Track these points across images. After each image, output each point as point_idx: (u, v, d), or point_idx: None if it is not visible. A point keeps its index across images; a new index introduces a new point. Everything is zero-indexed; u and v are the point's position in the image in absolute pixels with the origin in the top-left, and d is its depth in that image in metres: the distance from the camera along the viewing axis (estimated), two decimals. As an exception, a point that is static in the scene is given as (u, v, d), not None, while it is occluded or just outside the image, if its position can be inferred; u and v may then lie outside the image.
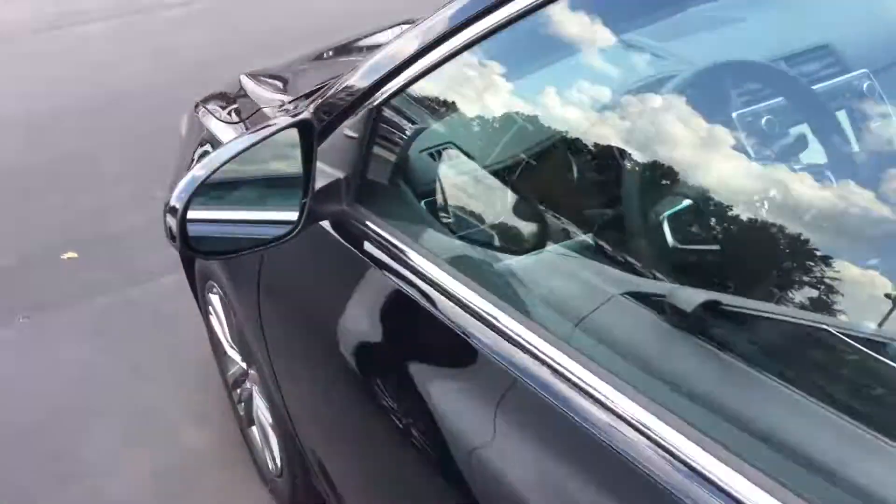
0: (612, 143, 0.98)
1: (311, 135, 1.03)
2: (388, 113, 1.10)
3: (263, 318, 1.39)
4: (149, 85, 4.91)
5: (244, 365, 1.90)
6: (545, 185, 1.10)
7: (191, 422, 2.22)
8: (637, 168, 0.95)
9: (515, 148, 1.10)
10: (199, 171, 0.96)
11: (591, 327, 0.82)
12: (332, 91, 1.21)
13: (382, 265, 1.08)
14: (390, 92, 1.06)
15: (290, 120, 1.01)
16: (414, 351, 1.05)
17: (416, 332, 1.05)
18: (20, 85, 5.05)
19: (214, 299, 1.90)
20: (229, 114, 1.72)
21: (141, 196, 3.48)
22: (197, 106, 2.03)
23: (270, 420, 1.71)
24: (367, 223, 1.12)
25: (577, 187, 1.05)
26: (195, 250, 0.99)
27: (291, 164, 1.07)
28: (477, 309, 0.89)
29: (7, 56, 5.72)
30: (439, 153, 1.20)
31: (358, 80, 1.12)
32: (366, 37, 2.25)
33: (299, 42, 5.45)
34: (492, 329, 0.86)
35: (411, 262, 1.03)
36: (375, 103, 1.08)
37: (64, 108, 4.58)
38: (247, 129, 1.53)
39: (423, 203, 1.15)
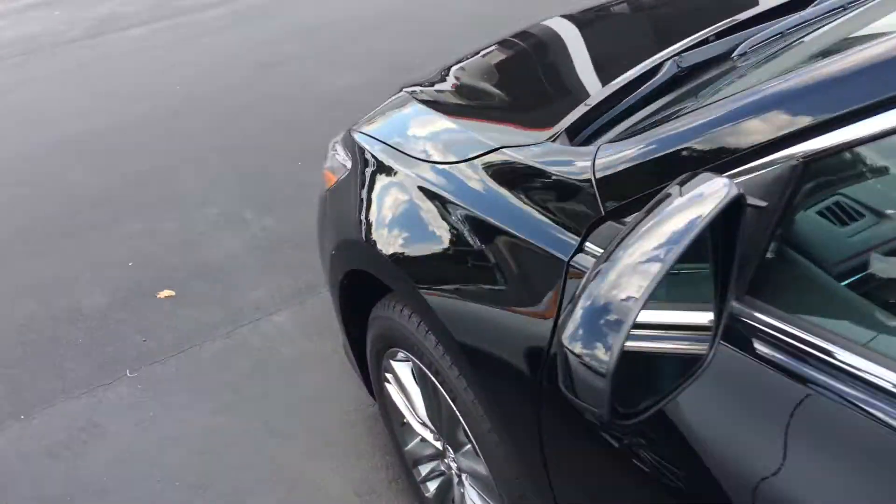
0: None
1: (738, 211, 0.70)
2: (814, 172, 0.77)
3: (545, 426, 1.07)
4: (208, 90, 4.61)
5: (438, 445, 1.59)
6: None
7: (355, 496, 1.91)
8: None
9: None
10: (628, 298, 0.63)
11: None
12: (682, 135, 0.88)
13: (790, 371, 0.77)
14: (832, 145, 0.73)
15: (730, 194, 0.68)
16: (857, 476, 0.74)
17: (861, 451, 0.73)
18: (72, 101, 4.75)
19: (401, 368, 1.58)
20: (427, 150, 1.38)
21: (231, 218, 3.19)
22: (350, 131, 1.70)
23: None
24: (761, 317, 0.80)
25: None
26: (626, 417, 0.66)
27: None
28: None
29: (50, 70, 5.42)
30: (841, 211, 0.87)
31: (754, 122, 0.79)
32: (512, 38, 1.91)
33: (354, 33, 5.23)
34: None
35: (844, 366, 0.74)
36: (801, 159, 0.75)
37: (123, 123, 4.28)
38: (489, 175, 1.20)
39: (843, 283, 0.82)
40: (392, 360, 1.60)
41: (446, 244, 1.26)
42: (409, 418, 1.64)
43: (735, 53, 1.28)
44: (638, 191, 0.92)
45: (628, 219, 0.93)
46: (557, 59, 1.84)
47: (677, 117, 0.95)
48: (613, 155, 0.97)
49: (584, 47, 1.85)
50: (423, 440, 1.66)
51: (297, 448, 2.05)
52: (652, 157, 0.91)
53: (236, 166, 3.64)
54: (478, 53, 1.86)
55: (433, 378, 1.42)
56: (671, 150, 0.88)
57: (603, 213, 0.96)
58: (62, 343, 2.55)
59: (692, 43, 1.36)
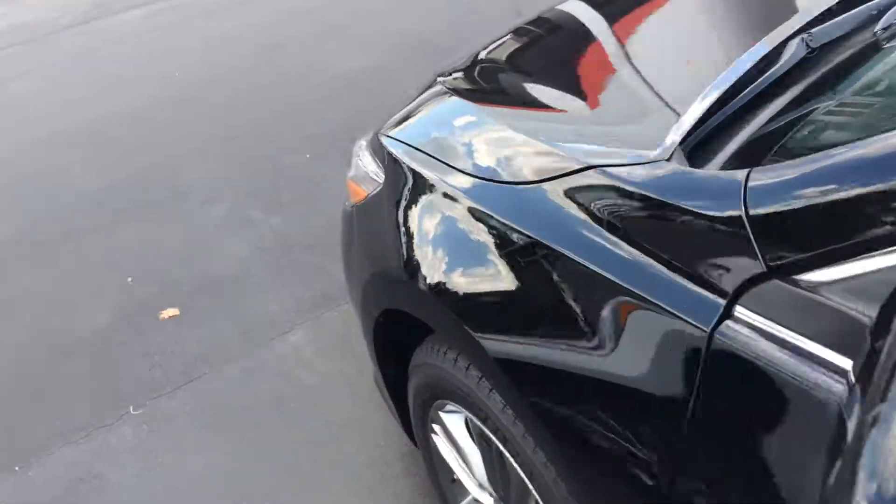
0: None
1: None
2: None
3: None
4: (209, 76, 4.31)
5: (502, 511, 1.33)
6: None
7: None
8: None
9: None
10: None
11: None
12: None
13: None
14: None
15: None
16: None
17: None
18: (67, 92, 4.45)
19: (452, 421, 1.31)
20: (482, 163, 1.10)
21: (236, 218, 2.92)
22: (378, 135, 1.42)
23: None
24: None
25: None
26: None
27: None
28: None
29: (46, 58, 5.11)
30: None
31: None
32: (551, 19, 1.60)
33: (361, 13, 4.90)
34: None
35: None
36: None
37: (122, 113, 4.00)
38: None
39: None
40: (441, 411, 1.34)
41: (522, 291, 0.98)
42: (463, 478, 1.37)
43: (879, 27, 0.99)
44: (827, 240, 0.64)
45: (813, 277, 0.65)
46: (614, 45, 1.53)
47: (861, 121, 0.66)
48: (775, 182, 0.69)
49: (637, 27, 1.55)
50: (479, 502, 1.40)
51: (325, 496, 1.80)
52: (852, 194, 0.62)
53: (241, 159, 3.36)
54: (513, 37, 1.56)
55: (499, 444, 1.16)
56: (884, 185, 0.60)
57: (764, 267, 0.69)
58: (59, 377, 2.29)
59: (810, 18, 1.07)
